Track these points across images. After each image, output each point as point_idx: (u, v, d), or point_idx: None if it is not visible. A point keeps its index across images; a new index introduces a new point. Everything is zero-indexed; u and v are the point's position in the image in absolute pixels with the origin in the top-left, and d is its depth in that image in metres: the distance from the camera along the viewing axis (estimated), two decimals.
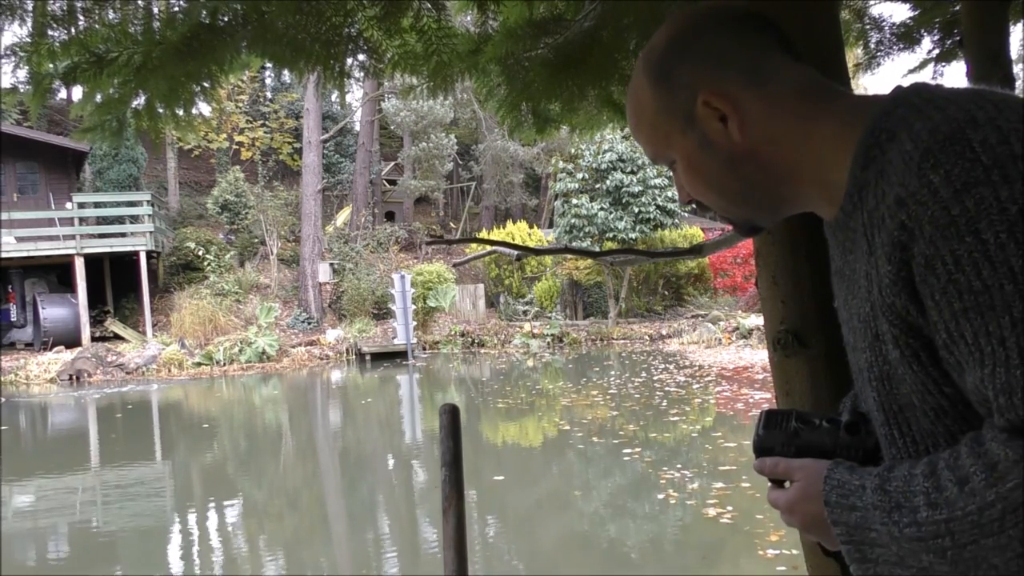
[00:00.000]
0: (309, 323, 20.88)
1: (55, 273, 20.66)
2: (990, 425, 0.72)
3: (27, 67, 1.86)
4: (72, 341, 18.54)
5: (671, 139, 0.93)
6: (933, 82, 0.85)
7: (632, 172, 20.25)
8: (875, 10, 3.77)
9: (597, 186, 20.45)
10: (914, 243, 0.74)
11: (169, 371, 17.56)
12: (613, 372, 15.14)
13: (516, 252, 3.52)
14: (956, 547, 0.72)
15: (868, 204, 0.80)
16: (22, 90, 1.95)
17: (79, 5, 1.87)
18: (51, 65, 1.92)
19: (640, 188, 20.00)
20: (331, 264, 22.04)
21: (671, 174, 1.01)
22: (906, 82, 0.86)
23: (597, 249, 18.13)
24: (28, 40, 1.84)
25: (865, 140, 0.82)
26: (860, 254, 0.83)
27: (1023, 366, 0.68)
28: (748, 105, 0.88)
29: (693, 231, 21.79)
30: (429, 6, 2.14)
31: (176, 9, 1.99)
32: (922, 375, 0.79)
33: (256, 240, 23.42)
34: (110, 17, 1.92)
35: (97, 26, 1.88)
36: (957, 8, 3.28)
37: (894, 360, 0.81)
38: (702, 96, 0.89)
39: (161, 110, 2.10)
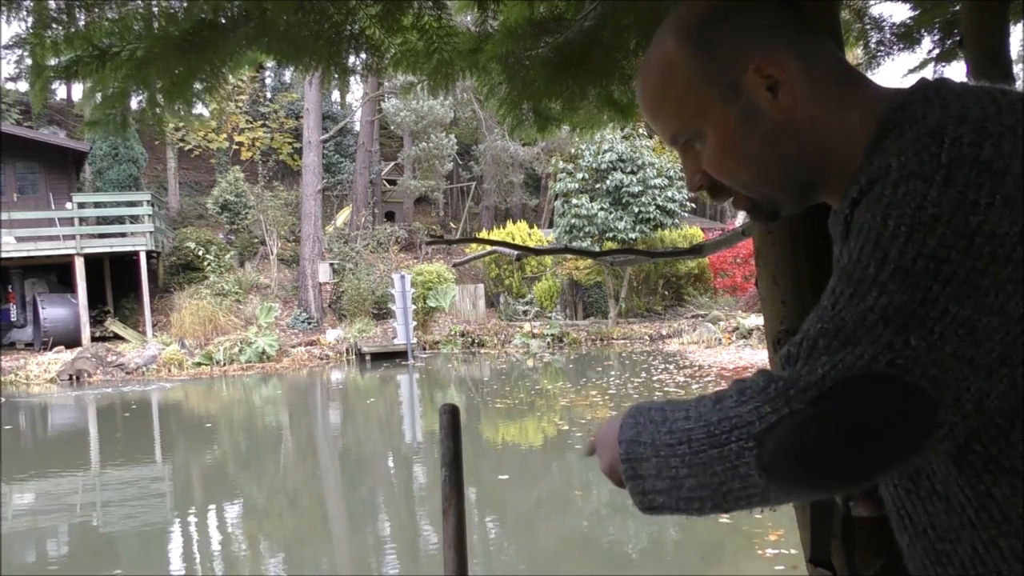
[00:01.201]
0: (309, 323, 20.88)
1: (55, 273, 20.66)
2: (771, 365, 0.77)
3: (30, 60, 1.87)
4: (72, 341, 18.54)
5: (706, 110, 0.87)
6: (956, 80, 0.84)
7: (632, 172, 20.26)
8: (875, 10, 3.77)
9: (597, 186, 20.45)
10: (852, 218, 0.77)
11: (169, 371, 17.57)
12: (613, 372, 15.15)
13: (516, 252, 3.52)
14: (692, 453, 0.78)
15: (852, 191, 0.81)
16: (23, 85, 1.96)
17: (78, 3, 1.87)
18: (53, 59, 1.92)
19: (640, 188, 20.01)
20: (331, 264, 22.05)
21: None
22: (907, 82, 0.86)
23: (597, 249, 18.12)
24: (29, 34, 1.84)
25: (878, 132, 0.81)
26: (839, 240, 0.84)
27: (827, 326, 0.72)
28: (797, 76, 0.85)
29: (693, 231, 21.80)
30: (430, 4, 2.14)
31: (176, 7, 1.99)
32: None
33: (256, 240, 23.43)
34: (111, 14, 1.93)
35: (99, 21, 1.89)
36: (957, 8, 3.28)
37: None
38: (754, 63, 0.85)
39: (163, 105, 2.10)
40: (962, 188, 0.69)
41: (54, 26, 1.83)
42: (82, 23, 1.87)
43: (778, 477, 0.73)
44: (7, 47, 1.85)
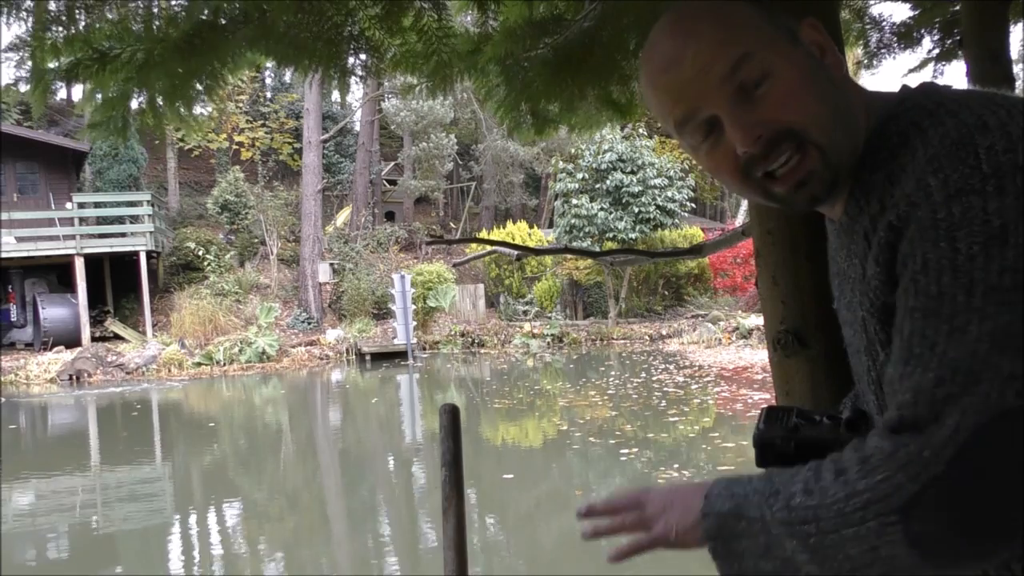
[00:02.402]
0: (309, 323, 20.88)
1: (55, 273, 20.65)
2: (878, 423, 0.73)
3: (30, 63, 1.87)
4: (72, 341, 18.54)
5: (778, 46, 0.81)
6: (941, 83, 0.84)
7: (632, 172, 20.25)
8: (875, 10, 3.77)
9: (597, 186, 20.45)
10: (899, 243, 0.73)
11: (169, 371, 17.56)
12: (613, 372, 15.14)
13: (516, 252, 3.53)
14: (819, 534, 0.71)
15: (872, 208, 0.79)
16: (24, 87, 1.96)
17: (80, 2, 1.87)
18: (54, 62, 1.92)
19: (640, 188, 20.01)
20: (331, 264, 22.05)
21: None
22: (906, 82, 0.86)
23: (597, 249, 18.12)
24: (30, 36, 1.84)
25: (873, 141, 0.81)
26: (861, 257, 0.83)
27: (938, 372, 0.68)
28: (833, 55, 0.84)
29: (693, 231, 21.80)
30: (429, 5, 2.14)
31: (177, 8, 1.99)
32: None
33: (256, 240, 23.42)
34: (110, 16, 1.93)
35: (99, 23, 1.89)
36: (957, 8, 3.28)
37: (883, 364, 0.80)
38: (808, 20, 0.84)
39: (163, 107, 2.11)
40: (1016, 194, 0.68)
41: (54, 28, 1.83)
42: (82, 25, 1.87)
43: (934, 552, 0.67)
44: (7, 50, 1.85)
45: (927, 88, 0.82)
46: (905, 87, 0.84)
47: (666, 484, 0.88)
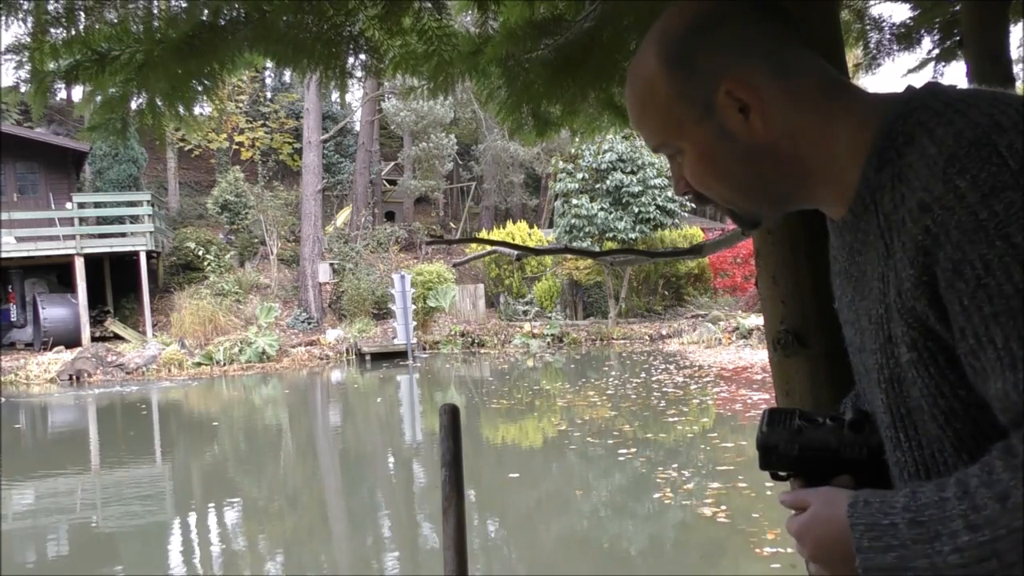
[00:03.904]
0: (309, 323, 20.88)
1: (55, 273, 20.65)
2: (1019, 435, 0.70)
3: (29, 65, 1.87)
4: (72, 341, 18.54)
5: (684, 128, 0.88)
6: (946, 83, 0.84)
7: (632, 172, 20.25)
8: (875, 10, 3.77)
9: (597, 186, 20.45)
10: (939, 248, 0.73)
11: (169, 371, 17.56)
12: (613, 372, 15.14)
13: (516, 252, 3.53)
14: (1004, 567, 0.68)
15: (884, 207, 0.79)
16: (23, 89, 1.96)
17: (80, 4, 1.87)
18: (53, 64, 1.92)
19: (640, 188, 20.01)
20: (331, 264, 22.05)
21: (670, 173, 0.99)
22: (907, 82, 0.86)
23: (597, 249, 18.11)
24: (29, 38, 1.84)
25: (879, 142, 0.81)
26: (873, 256, 0.82)
27: None
28: (772, 96, 0.84)
29: (693, 231, 21.79)
30: (430, 6, 2.14)
31: (177, 8, 1.99)
32: (937, 379, 0.78)
33: (256, 240, 23.42)
34: (110, 17, 1.92)
35: (98, 25, 1.88)
36: (957, 8, 3.28)
37: (906, 363, 0.80)
38: (725, 85, 0.84)
39: (163, 109, 2.10)
40: None
41: (53, 30, 1.83)
42: (82, 27, 1.87)
43: None
44: (7, 52, 1.85)
45: (932, 87, 0.82)
46: (910, 87, 0.84)
47: (808, 520, 0.88)
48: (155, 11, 1.92)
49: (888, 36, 3.70)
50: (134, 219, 20.49)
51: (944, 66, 3.82)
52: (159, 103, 2.07)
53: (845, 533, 0.80)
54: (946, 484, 0.73)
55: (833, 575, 0.85)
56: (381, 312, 20.97)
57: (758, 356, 15.53)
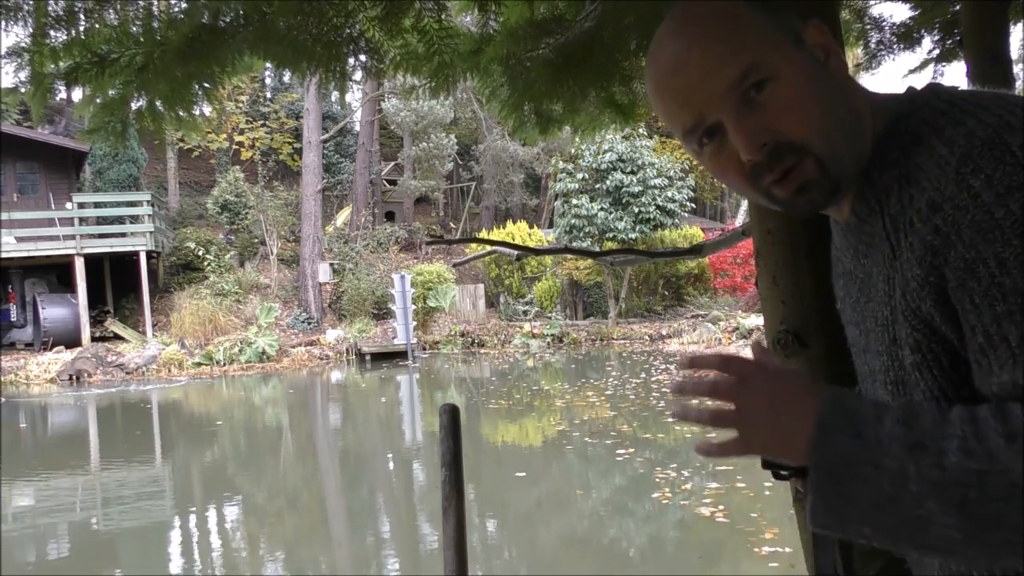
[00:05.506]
0: (309, 323, 20.88)
1: (55, 273, 20.66)
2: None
3: (29, 67, 1.87)
4: (72, 341, 18.54)
5: (782, 51, 0.80)
6: (946, 83, 0.84)
7: (632, 172, 20.26)
8: (875, 10, 3.77)
9: (597, 186, 20.45)
10: (950, 247, 0.72)
11: (169, 371, 17.56)
12: (613, 372, 15.14)
13: (516, 252, 3.53)
14: (982, 500, 0.66)
15: (891, 208, 0.79)
16: (23, 90, 1.96)
17: (79, 6, 1.87)
18: (53, 66, 1.92)
19: (640, 188, 20.01)
20: (331, 264, 22.05)
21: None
22: (907, 82, 0.86)
23: (597, 249, 18.12)
24: (29, 40, 1.84)
25: (883, 143, 0.81)
26: (879, 258, 0.82)
27: None
28: (838, 53, 0.82)
29: (693, 231, 21.80)
30: (430, 6, 2.14)
31: (177, 10, 1.99)
32: (941, 381, 0.78)
33: (256, 240, 23.42)
34: (110, 18, 1.93)
35: (98, 27, 1.88)
36: (957, 8, 3.28)
37: (909, 365, 0.80)
38: (812, 22, 0.82)
39: (163, 111, 2.10)
40: None
41: (53, 32, 1.83)
42: (82, 29, 1.87)
43: None
44: (7, 55, 1.85)
45: (935, 88, 0.82)
46: (911, 88, 0.84)
47: (763, 372, 0.76)
48: (155, 13, 1.92)
49: (888, 36, 3.70)
50: (134, 219, 20.49)
51: (944, 66, 3.83)
52: (159, 105, 2.07)
53: (804, 401, 0.74)
54: (952, 409, 0.71)
55: (755, 446, 0.77)
56: (381, 312, 20.97)
57: None
